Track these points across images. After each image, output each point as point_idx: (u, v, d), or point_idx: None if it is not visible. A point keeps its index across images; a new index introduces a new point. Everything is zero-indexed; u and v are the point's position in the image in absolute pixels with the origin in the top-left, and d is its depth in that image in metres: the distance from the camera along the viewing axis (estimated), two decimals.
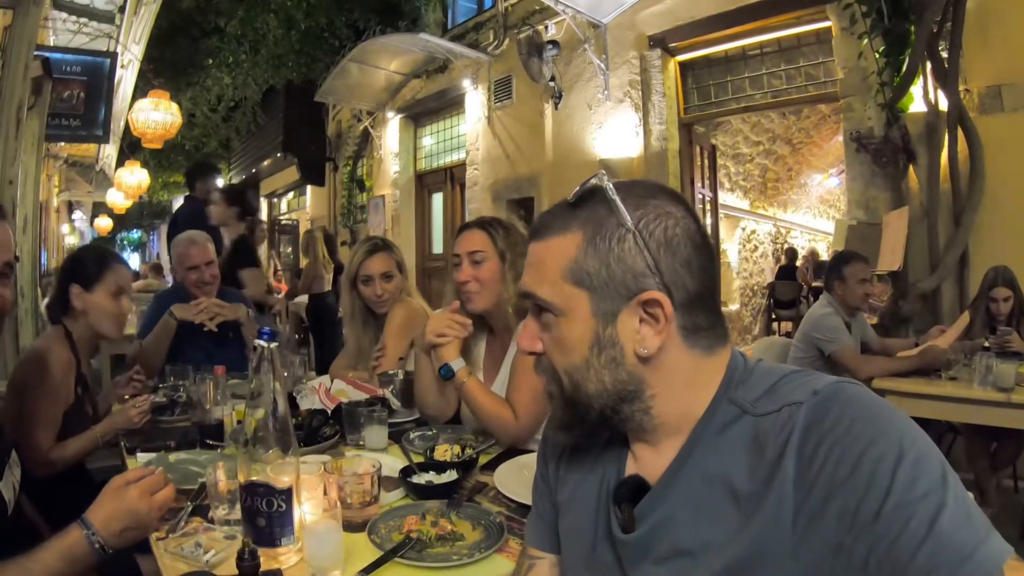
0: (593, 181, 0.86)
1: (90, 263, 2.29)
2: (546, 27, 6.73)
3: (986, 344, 3.30)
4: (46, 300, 2.37)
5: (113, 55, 6.65)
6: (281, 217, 16.10)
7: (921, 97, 4.49)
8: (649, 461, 0.89)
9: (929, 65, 4.41)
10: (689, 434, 0.85)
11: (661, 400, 0.86)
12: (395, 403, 2.27)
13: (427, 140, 9.92)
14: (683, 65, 6.37)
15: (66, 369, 2.13)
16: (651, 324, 0.83)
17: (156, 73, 7.77)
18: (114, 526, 1.28)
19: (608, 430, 0.92)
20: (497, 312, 2.14)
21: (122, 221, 21.72)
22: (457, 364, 1.97)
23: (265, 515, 1.23)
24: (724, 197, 9.40)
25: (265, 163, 13.76)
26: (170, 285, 3.60)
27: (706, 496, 0.81)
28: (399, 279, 2.78)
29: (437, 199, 9.73)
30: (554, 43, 6.58)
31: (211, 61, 10.68)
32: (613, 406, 0.87)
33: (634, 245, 0.83)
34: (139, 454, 1.91)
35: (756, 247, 11.37)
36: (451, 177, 9.29)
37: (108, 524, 1.27)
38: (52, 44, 6.67)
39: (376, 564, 1.23)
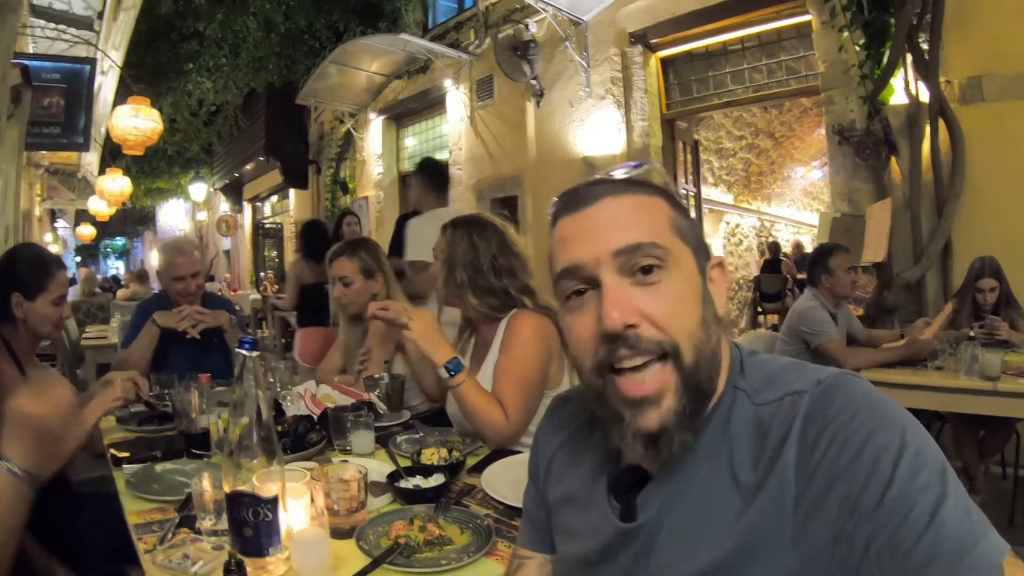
0: (649, 169, 0.88)
1: (34, 272, 2.24)
2: (527, 25, 6.72)
3: (971, 334, 3.32)
4: None
5: (93, 61, 6.60)
6: (265, 221, 16.03)
7: (902, 89, 4.51)
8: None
9: (910, 57, 4.42)
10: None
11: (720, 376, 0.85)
12: (381, 407, 2.27)
13: (410, 141, 9.89)
14: (664, 61, 6.38)
15: (11, 380, 2.08)
16: (716, 287, 0.88)
17: (136, 79, 7.69)
18: (25, 444, 1.28)
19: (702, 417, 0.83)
20: (475, 310, 2.16)
21: (105, 228, 21.57)
22: (462, 359, 1.98)
23: (251, 525, 1.22)
24: (708, 192, 9.45)
25: (248, 167, 13.71)
26: (155, 292, 3.56)
27: (708, 483, 0.81)
28: (360, 284, 2.76)
29: None
30: (533, 42, 6.57)
31: (191, 65, 10.60)
32: (716, 376, 0.83)
33: (693, 219, 0.89)
34: (124, 466, 1.89)
35: (741, 241, 11.42)
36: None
37: (15, 445, 1.26)
38: (31, 52, 6.61)
39: (364, 571, 1.22)
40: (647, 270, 0.80)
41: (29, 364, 2.24)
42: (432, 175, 4.32)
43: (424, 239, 3.66)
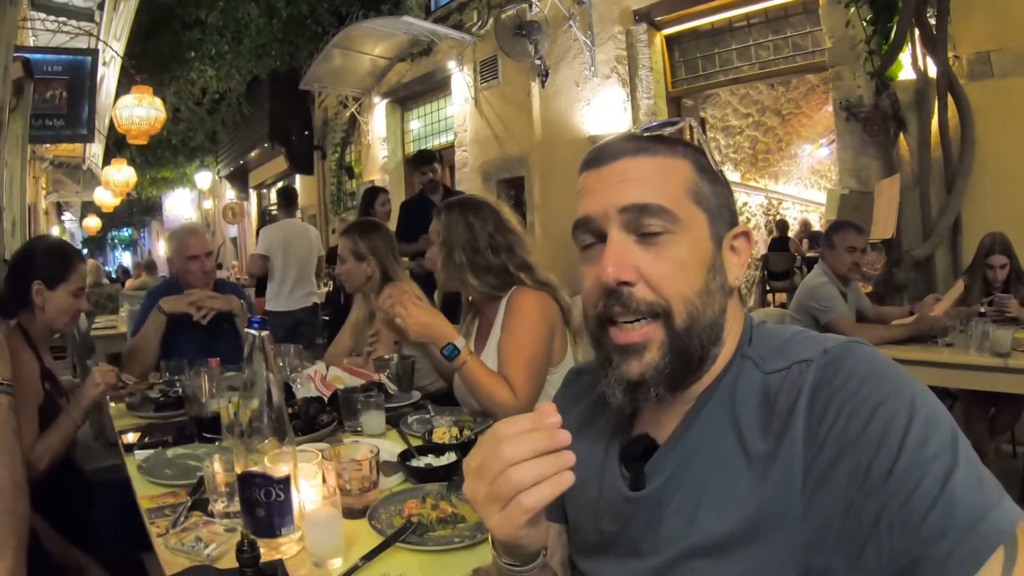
0: (683, 126, 0.88)
1: (55, 261, 2.25)
2: (530, 5, 6.67)
3: (982, 310, 3.30)
4: None
5: (94, 52, 6.59)
6: (271, 207, 16.02)
7: (910, 64, 4.47)
8: (659, 420, 0.88)
9: (917, 32, 4.37)
10: (703, 390, 0.85)
11: (723, 345, 0.86)
12: (391, 387, 2.27)
13: (414, 124, 9.86)
14: (669, 39, 6.32)
15: (30, 368, 2.08)
16: (737, 256, 0.88)
17: (138, 69, 7.68)
18: None
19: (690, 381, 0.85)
20: (476, 290, 2.18)
21: (112, 219, 21.64)
22: (460, 342, 1.97)
23: (264, 505, 1.22)
24: None
25: (253, 154, 13.68)
26: (165, 279, 3.59)
27: (716, 452, 0.80)
28: (351, 265, 2.82)
29: None
30: (536, 22, 6.51)
31: (193, 54, 10.60)
32: (712, 344, 0.84)
33: (723, 186, 0.88)
34: (136, 451, 1.90)
35: (748, 219, 11.35)
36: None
37: None
38: (32, 45, 6.60)
39: (377, 550, 1.22)
40: (652, 230, 0.81)
41: (44, 353, 2.25)
42: (284, 197, 6.42)
43: (268, 239, 5.85)
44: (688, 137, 0.87)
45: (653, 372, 0.82)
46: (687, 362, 0.82)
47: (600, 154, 0.87)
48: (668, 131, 0.86)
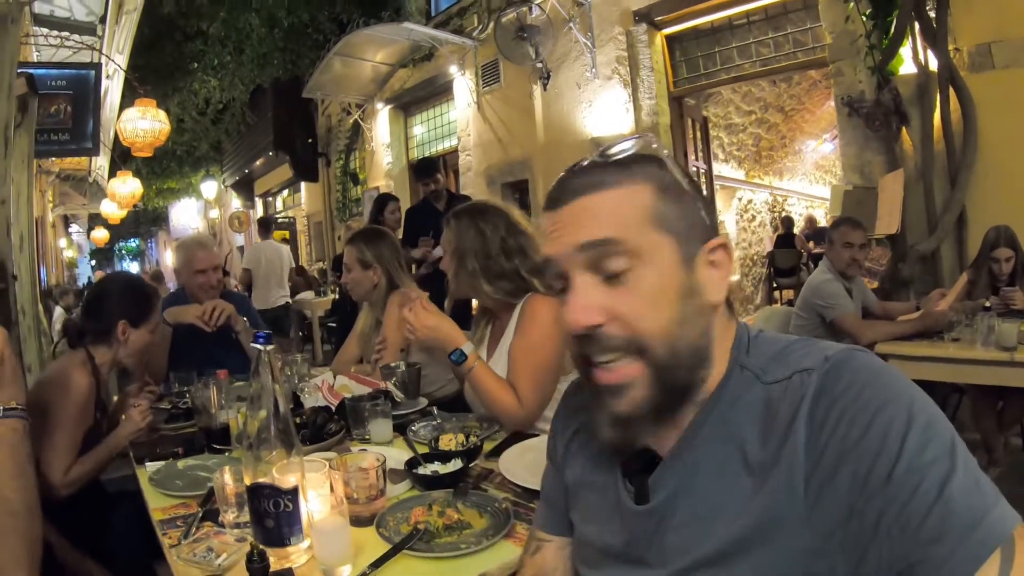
0: (641, 143, 0.86)
1: (139, 301, 2.31)
2: (530, 8, 6.68)
3: (987, 304, 3.29)
4: (61, 320, 2.37)
5: (97, 66, 6.61)
6: (277, 215, 16.09)
7: (911, 58, 4.45)
8: (661, 433, 0.87)
9: (917, 25, 4.36)
10: (703, 403, 0.84)
11: (713, 363, 0.84)
12: (398, 395, 2.28)
13: (418, 129, 9.88)
14: (670, 38, 6.33)
15: (88, 395, 2.09)
16: (717, 271, 0.85)
17: (142, 81, 7.70)
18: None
19: (683, 407, 0.85)
20: (490, 297, 2.18)
21: (119, 230, 21.74)
22: (467, 347, 1.98)
23: (273, 516, 1.24)
24: (719, 168, 9.36)
25: (257, 163, 13.73)
26: (172, 291, 3.63)
27: (719, 464, 0.81)
28: (357, 273, 2.84)
29: None
30: (536, 25, 6.52)
31: (196, 65, 10.64)
32: (700, 368, 0.83)
33: (692, 200, 0.85)
34: (147, 463, 1.92)
35: (754, 217, 11.34)
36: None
37: None
38: (35, 60, 6.63)
39: (385, 557, 1.24)
40: (615, 270, 0.80)
41: (102, 385, 2.26)
42: (262, 225, 9.16)
43: (250, 256, 8.40)
44: (653, 151, 0.85)
45: (640, 409, 0.82)
46: (674, 393, 0.82)
47: (558, 194, 0.86)
48: (625, 153, 0.85)
